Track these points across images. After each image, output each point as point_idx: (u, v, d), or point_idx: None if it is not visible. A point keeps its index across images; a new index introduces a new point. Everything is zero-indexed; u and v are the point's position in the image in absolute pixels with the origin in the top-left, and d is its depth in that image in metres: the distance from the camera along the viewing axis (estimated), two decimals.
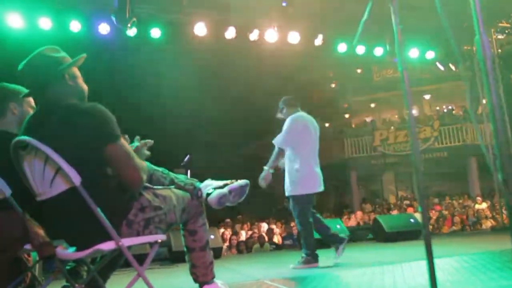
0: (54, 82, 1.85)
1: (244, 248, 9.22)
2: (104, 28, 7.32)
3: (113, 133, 1.75)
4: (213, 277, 2.28)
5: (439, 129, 15.35)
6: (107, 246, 1.69)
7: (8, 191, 2.00)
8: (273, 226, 11.12)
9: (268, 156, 4.42)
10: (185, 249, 2.26)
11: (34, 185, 1.76)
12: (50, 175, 1.69)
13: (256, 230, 10.64)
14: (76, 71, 1.96)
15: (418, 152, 1.37)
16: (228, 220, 11.49)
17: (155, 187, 2.02)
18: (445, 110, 18.01)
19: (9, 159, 1.88)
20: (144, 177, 1.81)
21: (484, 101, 11.18)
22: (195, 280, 2.27)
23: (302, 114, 4.38)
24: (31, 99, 2.31)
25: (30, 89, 1.91)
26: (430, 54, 9.46)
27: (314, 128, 4.37)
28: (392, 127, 16.03)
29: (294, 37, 8.30)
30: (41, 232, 2.07)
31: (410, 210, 11.60)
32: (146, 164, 1.91)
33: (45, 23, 6.96)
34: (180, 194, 2.11)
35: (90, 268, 2.34)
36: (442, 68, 10.22)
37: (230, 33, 7.96)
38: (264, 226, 11.00)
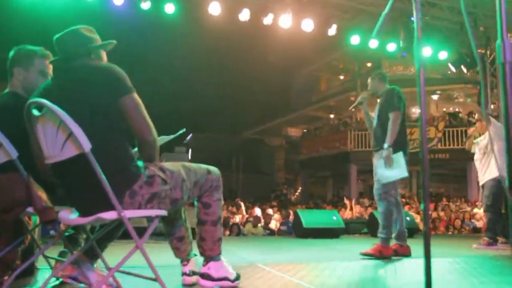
0: (79, 57, 1.95)
1: (237, 229, 9.25)
2: None
3: (126, 86, 1.85)
4: (220, 253, 2.28)
5: (443, 131, 15.29)
6: (109, 215, 1.71)
7: (14, 154, 2.02)
8: (270, 211, 11.16)
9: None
10: (196, 221, 2.27)
11: (46, 147, 1.77)
12: (62, 139, 1.69)
13: (250, 214, 10.69)
14: (103, 55, 2.09)
15: (427, 152, 1.37)
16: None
17: (163, 162, 2.03)
18: (451, 112, 17.93)
19: (19, 121, 1.89)
20: (155, 137, 1.89)
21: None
22: (202, 254, 2.28)
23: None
24: (49, 66, 2.34)
25: (59, 58, 2.00)
26: (443, 55, 9.38)
27: None
28: None
29: (308, 25, 8.23)
30: (44, 196, 2.09)
31: (407, 208, 11.62)
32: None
33: None
34: (193, 167, 2.12)
35: (89, 236, 2.37)
36: (453, 69, 10.14)
37: (244, 15, 7.90)
38: (257, 211, 11.02)
